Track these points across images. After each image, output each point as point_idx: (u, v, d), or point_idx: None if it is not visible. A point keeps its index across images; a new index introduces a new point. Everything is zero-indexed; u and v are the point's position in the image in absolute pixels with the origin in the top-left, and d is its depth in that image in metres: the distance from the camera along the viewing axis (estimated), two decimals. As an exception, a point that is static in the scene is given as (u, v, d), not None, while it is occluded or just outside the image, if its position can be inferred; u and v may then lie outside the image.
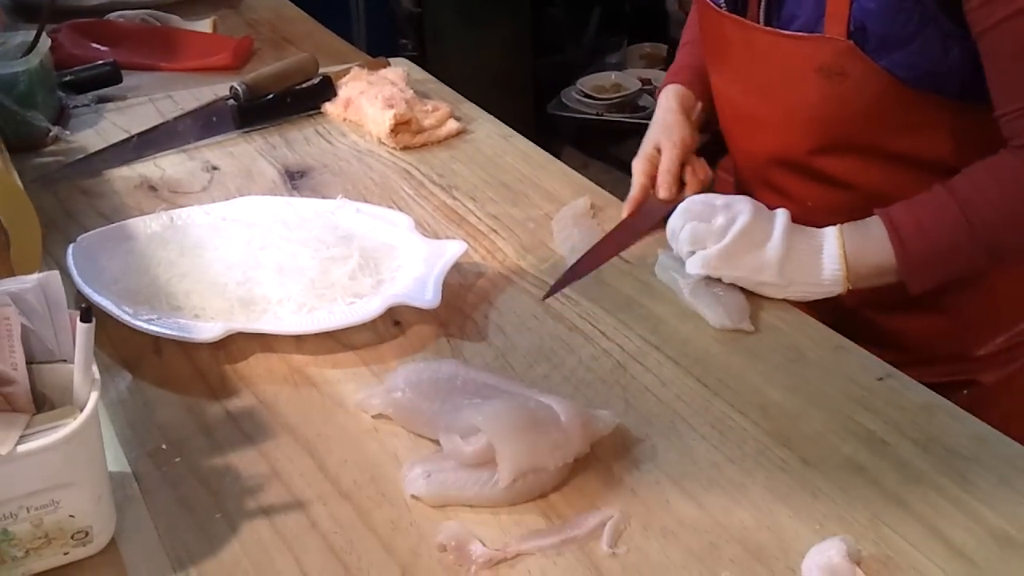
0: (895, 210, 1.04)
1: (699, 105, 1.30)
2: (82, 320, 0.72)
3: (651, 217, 1.22)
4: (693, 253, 1.07)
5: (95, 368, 0.74)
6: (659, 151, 1.26)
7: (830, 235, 1.06)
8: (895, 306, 1.17)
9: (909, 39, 1.02)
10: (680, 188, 1.25)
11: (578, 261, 1.15)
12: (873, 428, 0.91)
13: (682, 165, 1.25)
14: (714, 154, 1.34)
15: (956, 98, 1.05)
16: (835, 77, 1.06)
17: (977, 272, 1.11)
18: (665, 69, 1.28)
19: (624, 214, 1.23)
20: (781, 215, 1.07)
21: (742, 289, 1.08)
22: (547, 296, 1.10)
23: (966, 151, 1.07)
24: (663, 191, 1.23)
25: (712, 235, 1.06)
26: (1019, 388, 1.21)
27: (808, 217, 1.10)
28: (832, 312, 1.11)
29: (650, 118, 1.35)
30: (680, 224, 1.08)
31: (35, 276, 0.74)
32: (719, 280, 1.07)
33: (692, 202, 1.09)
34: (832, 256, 1.05)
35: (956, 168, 1.05)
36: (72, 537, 0.75)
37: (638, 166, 1.25)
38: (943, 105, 1.06)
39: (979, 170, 1.03)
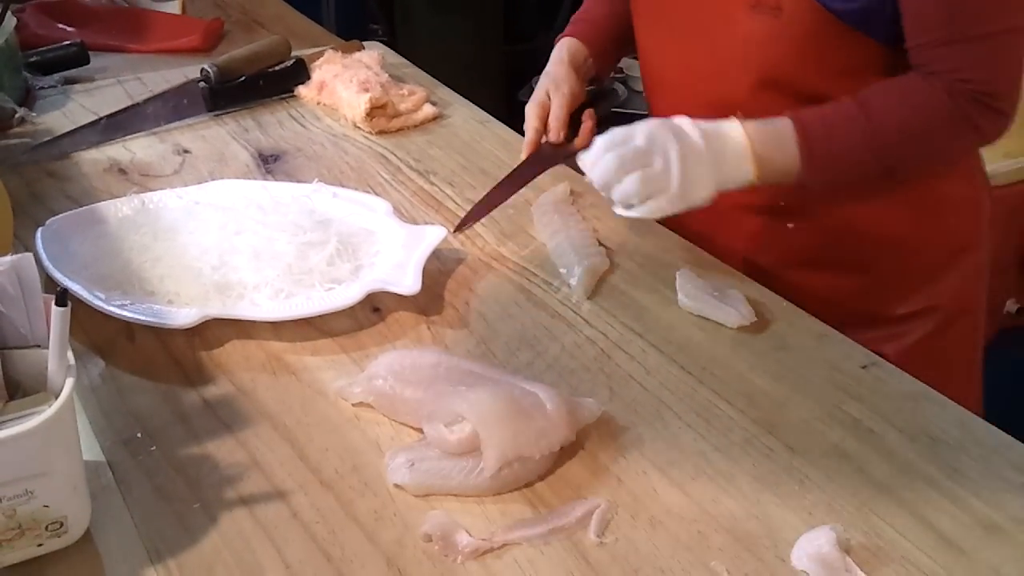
0: (804, 111, 1.06)
1: (589, 60, 1.32)
2: (57, 304, 0.69)
3: (546, 160, 1.27)
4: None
5: (70, 354, 0.72)
6: (549, 99, 1.28)
7: (735, 129, 1.04)
8: (817, 265, 1.18)
9: None
10: (569, 134, 1.28)
11: (483, 198, 1.21)
12: (859, 417, 0.90)
13: (570, 113, 1.28)
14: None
15: (887, 43, 1.06)
16: (769, 13, 1.07)
17: (868, 183, 1.12)
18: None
19: (523, 156, 1.27)
20: (687, 125, 1.03)
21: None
22: (457, 230, 1.16)
23: None
24: (552, 136, 1.27)
25: (657, 181, 1.01)
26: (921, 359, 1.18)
27: None
28: (759, 274, 1.13)
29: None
30: (613, 172, 1.01)
31: (8, 259, 0.72)
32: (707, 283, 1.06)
33: (613, 145, 1.02)
34: (739, 148, 1.03)
35: None
36: (47, 528, 0.72)
37: (530, 111, 1.28)
38: (876, 49, 1.07)
39: (890, 87, 1.06)
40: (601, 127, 1.13)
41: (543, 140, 1.27)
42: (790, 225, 1.18)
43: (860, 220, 1.16)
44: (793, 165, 1.04)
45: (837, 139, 1.05)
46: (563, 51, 1.31)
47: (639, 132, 1.02)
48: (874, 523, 0.80)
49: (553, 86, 1.28)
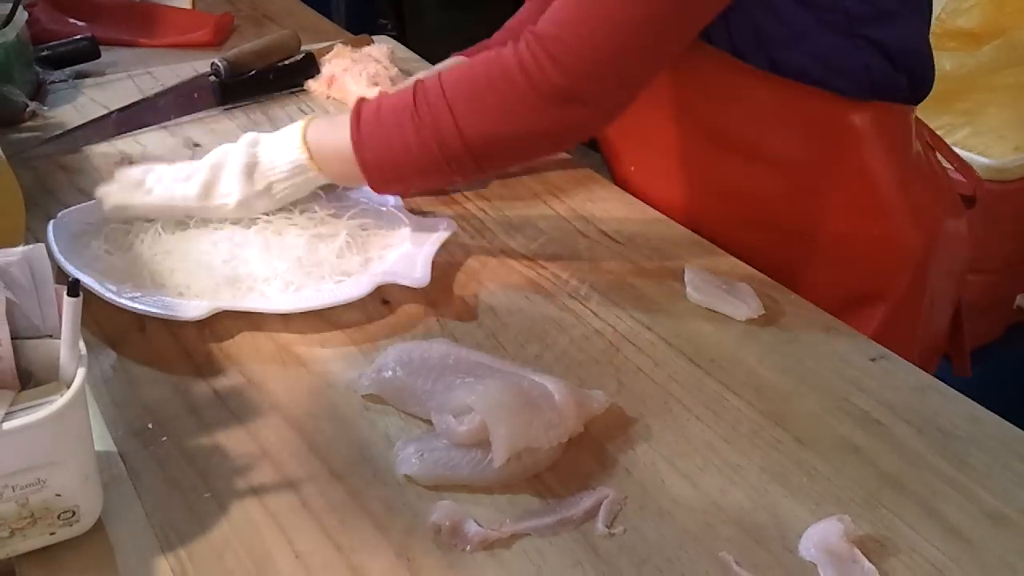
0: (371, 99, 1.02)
1: None
2: (69, 294, 0.70)
3: None
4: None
5: (82, 344, 0.72)
6: None
7: (289, 127, 1.04)
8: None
9: None
10: None
11: None
12: (867, 409, 0.90)
13: None
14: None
15: (730, 53, 1.06)
16: None
17: (440, 180, 1.09)
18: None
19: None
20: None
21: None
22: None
23: (773, 131, 1.09)
24: None
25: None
26: None
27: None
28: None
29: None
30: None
31: (20, 249, 0.72)
32: (716, 276, 1.06)
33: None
34: (290, 140, 1.02)
35: (772, 150, 1.09)
36: (59, 517, 0.73)
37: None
38: (733, 68, 1.07)
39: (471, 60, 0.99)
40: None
41: None
42: None
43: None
44: (348, 153, 0.99)
45: (385, 116, 0.98)
46: None
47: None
48: (882, 515, 0.80)
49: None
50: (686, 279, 1.06)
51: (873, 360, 0.97)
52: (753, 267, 1.11)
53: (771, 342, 0.99)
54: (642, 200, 1.24)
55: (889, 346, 0.99)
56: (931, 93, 1.13)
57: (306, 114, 1.44)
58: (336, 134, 1.00)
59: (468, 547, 0.76)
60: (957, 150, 1.24)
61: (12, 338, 0.71)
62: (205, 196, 1.04)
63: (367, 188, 1.16)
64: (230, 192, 1.04)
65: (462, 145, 0.95)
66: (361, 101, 1.00)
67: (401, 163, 0.99)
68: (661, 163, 1.19)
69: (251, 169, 1.04)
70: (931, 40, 1.12)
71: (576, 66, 0.91)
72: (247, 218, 1.06)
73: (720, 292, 1.03)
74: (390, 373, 0.89)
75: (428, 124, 0.95)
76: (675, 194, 1.20)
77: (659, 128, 1.18)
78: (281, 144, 1.03)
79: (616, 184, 1.29)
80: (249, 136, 1.06)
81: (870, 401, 0.91)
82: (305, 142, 1.02)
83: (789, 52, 1.05)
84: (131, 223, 1.08)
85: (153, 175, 1.06)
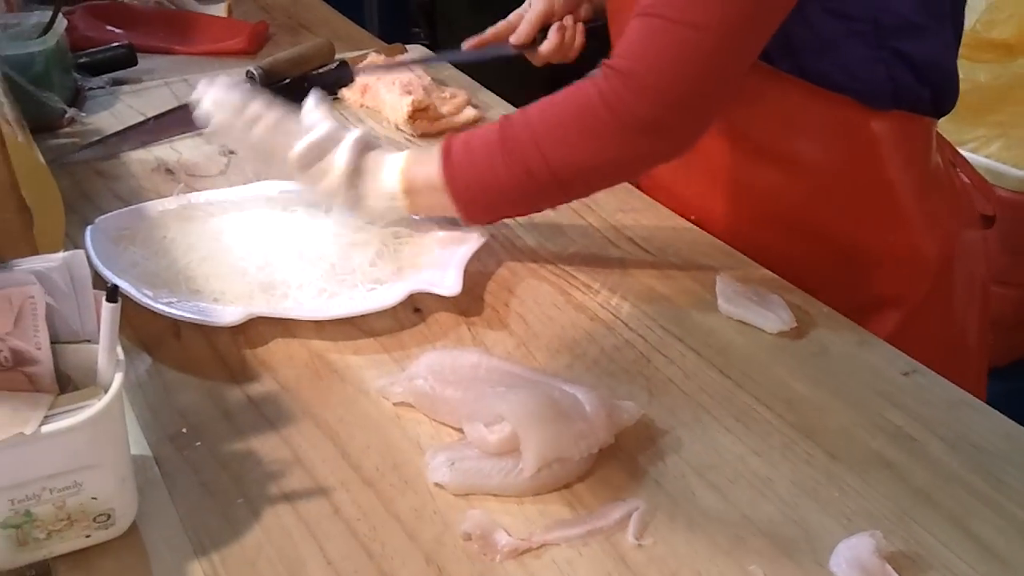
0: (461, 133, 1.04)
1: None
2: (108, 300, 0.71)
3: (495, 50, 1.36)
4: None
5: (119, 349, 0.73)
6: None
7: (397, 155, 1.05)
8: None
9: None
10: (538, 37, 1.32)
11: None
12: (900, 424, 0.90)
13: (546, 25, 1.32)
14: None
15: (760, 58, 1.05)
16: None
17: (528, 208, 1.09)
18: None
19: (464, 46, 1.37)
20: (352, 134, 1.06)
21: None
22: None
23: (795, 135, 1.09)
24: (514, 38, 1.31)
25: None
26: None
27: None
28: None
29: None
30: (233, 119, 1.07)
31: (60, 255, 0.73)
32: (747, 287, 1.06)
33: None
34: (392, 168, 1.04)
35: (791, 153, 1.09)
36: (94, 520, 0.74)
37: (510, 17, 1.35)
38: (756, 70, 1.04)
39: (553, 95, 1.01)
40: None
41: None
42: None
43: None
44: (441, 195, 1.02)
45: (475, 149, 1.01)
46: None
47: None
48: (914, 531, 0.79)
49: None
50: (717, 290, 1.05)
51: (906, 374, 0.96)
52: (768, 268, 1.12)
53: (802, 355, 0.99)
54: (664, 201, 1.24)
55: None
56: (965, 105, 1.12)
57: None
58: (427, 168, 1.03)
59: (498, 557, 0.76)
60: (990, 162, 1.23)
61: (51, 342, 0.72)
62: (301, 167, 1.05)
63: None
64: (327, 179, 1.05)
65: (549, 175, 0.99)
66: (451, 137, 1.03)
67: (492, 193, 1.02)
68: (685, 164, 1.19)
69: (354, 175, 1.04)
70: (966, 52, 1.12)
71: (657, 97, 0.95)
72: (279, 224, 1.08)
73: (751, 304, 1.03)
74: (421, 381, 0.90)
75: (517, 157, 0.99)
76: (695, 194, 1.21)
77: None
78: (386, 169, 1.05)
79: (640, 187, 1.30)
80: (360, 134, 1.06)
81: (903, 416, 0.91)
82: (403, 173, 1.04)
83: (817, 59, 1.06)
84: (167, 228, 1.09)
85: (254, 107, 1.07)
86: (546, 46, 1.33)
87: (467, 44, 1.38)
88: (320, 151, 1.05)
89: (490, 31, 1.37)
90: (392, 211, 1.06)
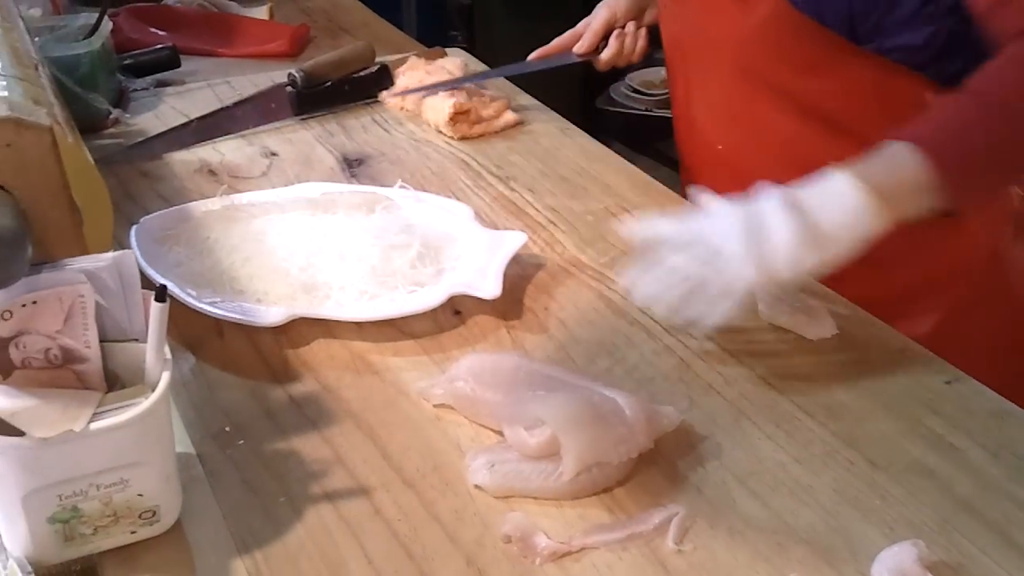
0: (906, 128, 0.92)
1: None
2: (157, 300, 0.72)
3: (559, 59, 1.38)
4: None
5: (167, 348, 0.74)
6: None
7: (842, 184, 0.89)
8: None
9: None
10: (601, 45, 1.35)
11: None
12: (942, 432, 0.89)
13: (610, 32, 1.34)
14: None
15: (845, 34, 1.04)
16: (740, 2, 1.08)
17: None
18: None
19: (530, 57, 1.40)
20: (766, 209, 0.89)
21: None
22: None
23: (868, 110, 1.08)
24: (577, 47, 1.33)
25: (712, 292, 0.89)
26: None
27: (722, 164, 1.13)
28: None
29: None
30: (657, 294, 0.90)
31: (110, 255, 0.74)
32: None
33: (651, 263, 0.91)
34: (842, 189, 0.89)
35: (863, 129, 1.03)
36: (140, 516, 0.75)
37: (577, 26, 1.37)
38: (841, 45, 1.05)
39: (992, 65, 0.94)
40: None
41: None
42: None
43: None
44: (924, 193, 0.89)
45: (967, 137, 0.92)
46: None
47: (686, 237, 0.89)
48: (956, 540, 0.79)
49: (601, 4, 1.34)
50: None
51: (948, 383, 0.96)
52: None
53: (843, 362, 0.98)
54: (726, 177, 1.18)
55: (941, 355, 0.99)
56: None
57: (380, 125, 1.46)
58: (892, 166, 0.90)
59: (538, 559, 0.76)
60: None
61: (100, 341, 0.73)
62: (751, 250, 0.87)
63: (439, 198, 1.18)
64: (769, 242, 0.87)
65: None
66: (905, 133, 0.91)
67: (985, 159, 0.93)
68: (754, 137, 1.19)
69: (801, 228, 0.87)
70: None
71: None
72: (321, 226, 1.08)
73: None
74: (462, 383, 0.90)
75: (1009, 110, 0.92)
76: (760, 168, 1.13)
77: (750, 103, 1.17)
78: (833, 192, 0.89)
79: (695, 164, 1.30)
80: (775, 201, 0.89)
81: (944, 424, 0.90)
82: (863, 183, 0.88)
83: (896, 36, 1.05)
84: (210, 229, 1.10)
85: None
86: (606, 53, 1.36)
87: (533, 55, 1.42)
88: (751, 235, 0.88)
89: (556, 42, 1.41)
90: (858, 231, 0.88)
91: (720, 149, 1.24)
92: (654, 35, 1.36)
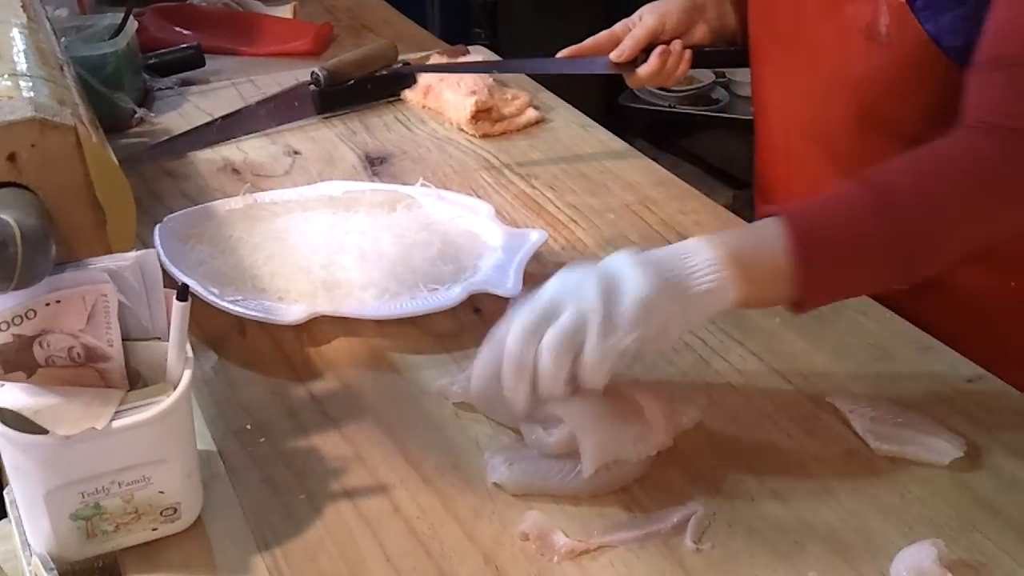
0: (794, 205, 0.85)
1: (713, 11, 1.26)
2: (179, 299, 0.72)
3: (591, 65, 1.26)
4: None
5: (188, 347, 0.75)
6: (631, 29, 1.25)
7: (700, 248, 0.81)
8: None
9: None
10: (639, 58, 1.24)
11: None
12: (963, 431, 0.88)
13: (652, 44, 1.24)
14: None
15: None
16: (880, 42, 1.00)
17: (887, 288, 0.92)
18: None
19: (560, 54, 1.26)
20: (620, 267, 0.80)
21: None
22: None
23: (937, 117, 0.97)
24: (615, 54, 1.22)
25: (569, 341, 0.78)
26: None
27: None
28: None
29: (723, 111, 1.34)
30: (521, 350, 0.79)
31: (133, 254, 0.75)
32: None
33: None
34: (703, 254, 0.80)
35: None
36: (161, 513, 0.76)
37: (615, 27, 1.25)
38: None
39: (906, 156, 0.86)
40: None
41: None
42: None
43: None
44: (782, 274, 0.80)
45: (836, 223, 0.82)
46: None
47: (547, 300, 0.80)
48: (977, 540, 0.78)
49: (651, 8, 1.23)
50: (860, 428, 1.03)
51: (970, 381, 0.95)
52: None
53: (865, 360, 0.98)
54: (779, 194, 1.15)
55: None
56: None
57: (402, 123, 1.47)
58: (756, 241, 0.82)
59: (555, 557, 0.76)
60: None
61: (123, 339, 0.74)
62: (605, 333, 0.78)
63: (460, 196, 1.18)
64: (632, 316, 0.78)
65: (928, 244, 0.84)
66: (784, 209, 0.83)
67: (854, 273, 0.84)
68: (834, 167, 1.11)
69: (666, 291, 0.79)
70: None
71: None
72: (343, 225, 1.09)
73: (902, 440, 0.90)
74: (480, 381, 0.90)
75: (895, 221, 0.82)
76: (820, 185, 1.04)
77: (870, 148, 1.05)
78: (692, 256, 0.81)
79: (777, 200, 1.21)
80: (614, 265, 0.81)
81: (966, 423, 0.90)
82: (725, 260, 0.80)
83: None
84: (233, 227, 1.11)
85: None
86: (644, 69, 1.25)
87: (563, 53, 1.28)
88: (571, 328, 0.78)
89: (590, 41, 1.27)
90: (713, 307, 0.81)
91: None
92: (696, 57, 1.26)
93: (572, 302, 0.78)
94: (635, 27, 1.25)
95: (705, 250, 0.80)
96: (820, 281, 0.82)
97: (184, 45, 1.63)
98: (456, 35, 2.20)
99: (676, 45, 1.24)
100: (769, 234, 0.81)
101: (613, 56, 1.26)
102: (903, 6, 0.99)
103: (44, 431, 0.69)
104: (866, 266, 0.83)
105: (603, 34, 1.27)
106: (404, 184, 1.25)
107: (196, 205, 1.18)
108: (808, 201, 0.86)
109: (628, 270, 0.79)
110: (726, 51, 1.29)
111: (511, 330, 0.79)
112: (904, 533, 0.79)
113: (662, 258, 0.81)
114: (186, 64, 1.61)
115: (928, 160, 0.86)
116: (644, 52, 1.25)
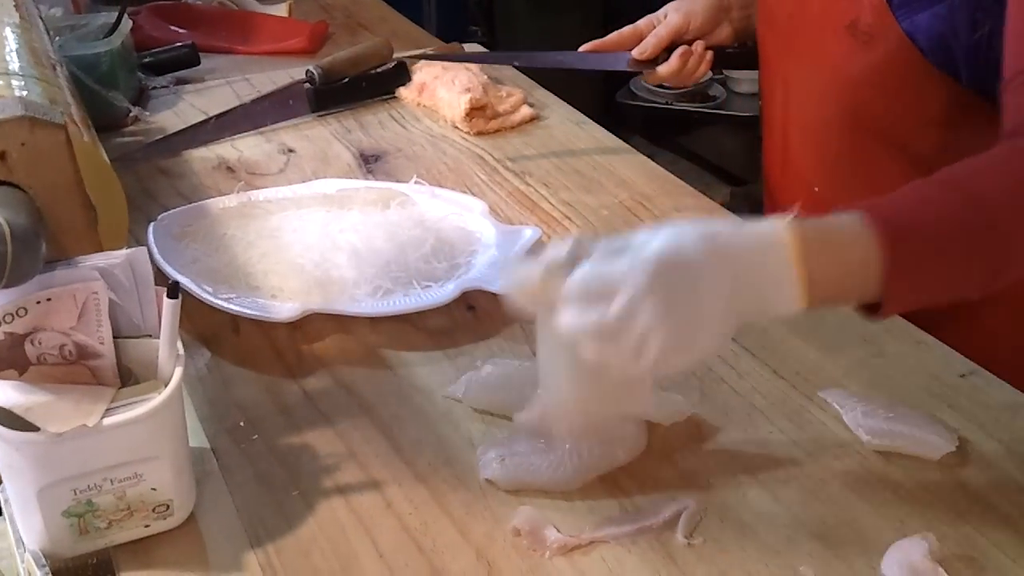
0: (866, 203, 0.75)
1: (738, 12, 1.24)
2: (169, 296, 0.73)
3: (611, 60, 1.24)
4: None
5: (180, 344, 0.75)
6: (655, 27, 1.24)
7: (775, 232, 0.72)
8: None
9: None
10: (661, 58, 1.23)
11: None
12: (956, 426, 0.89)
13: (675, 43, 1.22)
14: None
15: (968, 85, 0.97)
16: (863, 39, 1.00)
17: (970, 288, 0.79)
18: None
19: (581, 48, 1.24)
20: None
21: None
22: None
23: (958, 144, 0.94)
24: (637, 51, 1.20)
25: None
26: None
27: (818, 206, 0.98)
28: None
29: (720, 108, 1.33)
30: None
31: (123, 252, 0.75)
32: None
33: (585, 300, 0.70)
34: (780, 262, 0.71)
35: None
36: (154, 510, 0.76)
37: (639, 23, 1.23)
38: (958, 96, 0.98)
39: (976, 159, 0.79)
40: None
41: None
42: None
43: None
44: (862, 277, 0.73)
45: (929, 221, 0.74)
46: None
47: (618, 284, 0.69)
48: (968, 534, 0.78)
49: (675, 6, 1.22)
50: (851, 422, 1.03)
51: (963, 376, 0.95)
52: None
53: (858, 355, 0.98)
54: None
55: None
56: None
57: (397, 121, 1.47)
58: (838, 242, 0.73)
59: (547, 553, 0.77)
60: None
61: (114, 337, 0.74)
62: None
63: (454, 194, 1.18)
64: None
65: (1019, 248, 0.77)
66: (874, 208, 0.74)
67: (940, 275, 0.76)
68: (852, 187, 1.10)
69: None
70: None
71: None
72: (336, 222, 1.09)
73: (894, 435, 0.89)
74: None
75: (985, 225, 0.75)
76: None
77: (859, 149, 1.09)
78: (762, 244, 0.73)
79: (778, 201, 1.22)
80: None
81: (959, 418, 0.90)
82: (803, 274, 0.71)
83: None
84: (227, 225, 1.11)
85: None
86: (664, 68, 1.23)
87: (584, 47, 1.26)
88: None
89: (612, 36, 1.25)
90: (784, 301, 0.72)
91: (817, 191, 1.14)
92: (717, 58, 1.25)
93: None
94: (660, 25, 1.24)
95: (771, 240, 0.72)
96: (906, 278, 0.73)
97: (179, 44, 1.63)
98: (452, 33, 2.20)
99: (698, 46, 1.23)
100: (850, 228, 0.73)
101: (635, 53, 1.24)
102: (882, 3, 0.99)
103: (36, 428, 0.69)
104: (956, 265, 0.75)
105: (626, 29, 1.26)
106: (399, 181, 1.25)
107: (190, 203, 1.18)
108: (886, 198, 0.77)
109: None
110: (748, 52, 1.27)
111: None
112: (896, 527, 0.79)
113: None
114: (181, 63, 1.61)
115: (1006, 160, 0.79)
116: (666, 51, 1.24)
